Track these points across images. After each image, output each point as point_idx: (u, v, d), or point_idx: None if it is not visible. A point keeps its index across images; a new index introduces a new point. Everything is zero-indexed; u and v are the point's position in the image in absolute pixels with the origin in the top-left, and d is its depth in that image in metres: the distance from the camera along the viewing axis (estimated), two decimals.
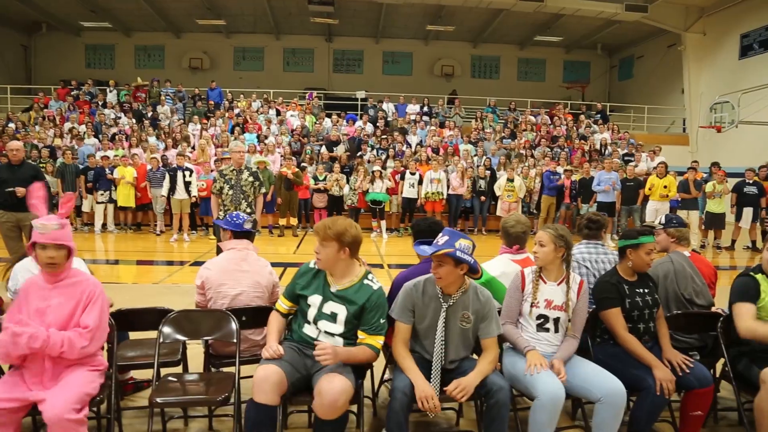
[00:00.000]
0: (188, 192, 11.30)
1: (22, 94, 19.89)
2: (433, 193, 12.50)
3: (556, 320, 3.09)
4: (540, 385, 2.82)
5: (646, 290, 3.28)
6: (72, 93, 17.71)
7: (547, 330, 3.09)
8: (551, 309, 3.08)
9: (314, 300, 2.93)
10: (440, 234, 2.92)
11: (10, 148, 6.74)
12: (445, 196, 12.69)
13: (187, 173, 11.35)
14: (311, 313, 2.93)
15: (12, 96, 19.11)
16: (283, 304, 3.05)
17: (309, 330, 2.95)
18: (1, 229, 6.49)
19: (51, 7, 20.02)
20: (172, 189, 11.26)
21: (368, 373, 3.31)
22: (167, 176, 11.37)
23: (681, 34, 18.63)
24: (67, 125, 15.37)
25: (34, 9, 19.84)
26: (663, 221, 3.95)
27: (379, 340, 2.88)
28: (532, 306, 3.09)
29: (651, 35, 20.94)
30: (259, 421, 2.65)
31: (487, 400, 2.80)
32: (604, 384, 2.85)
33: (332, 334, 2.90)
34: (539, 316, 3.09)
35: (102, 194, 12.06)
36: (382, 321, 2.89)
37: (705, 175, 12.34)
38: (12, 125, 15.55)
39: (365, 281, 2.94)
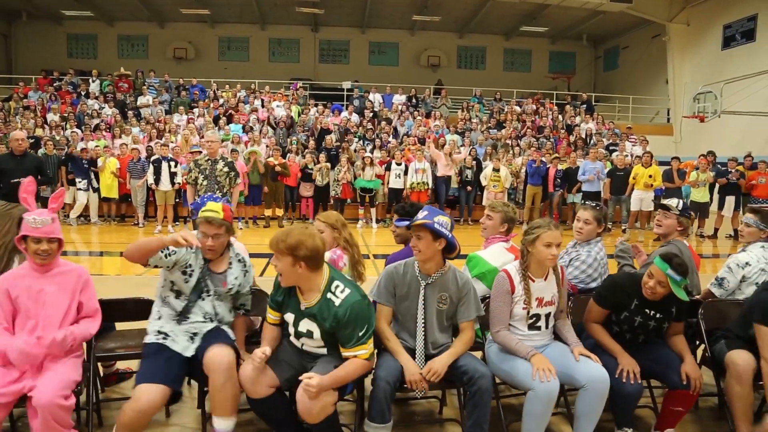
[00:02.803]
0: (173, 183, 11.20)
1: (3, 84, 19.53)
2: (418, 183, 12.48)
3: (547, 315, 3.07)
4: (532, 380, 2.81)
5: (657, 315, 3.10)
6: (53, 83, 17.44)
7: (539, 328, 3.07)
8: (543, 306, 3.04)
9: (289, 318, 2.84)
10: (421, 210, 2.95)
11: (14, 137, 6.60)
12: (430, 186, 12.66)
13: (171, 164, 11.24)
14: (291, 330, 2.86)
15: None
16: (271, 316, 2.92)
17: (295, 341, 2.89)
18: None
19: None
20: (157, 180, 11.16)
21: None
22: (151, 167, 11.24)
23: (665, 24, 18.74)
24: (49, 116, 15.14)
25: None
26: (680, 207, 3.80)
27: (363, 350, 2.71)
28: (525, 308, 3.01)
29: (636, 26, 21.03)
30: (263, 413, 2.84)
31: (468, 387, 2.81)
32: (588, 370, 2.85)
33: (315, 352, 2.84)
34: (532, 316, 3.04)
35: (80, 182, 11.83)
36: (360, 333, 2.69)
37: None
38: None
39: (328, 295, 2.72)
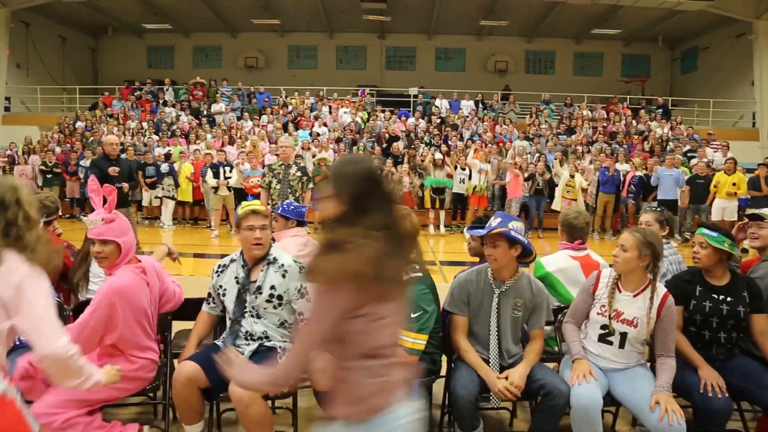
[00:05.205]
0: (228, 188, 11.42)
1: (89, 94, 20.80)
2: (479, 188, 12.05)
3: (623, 335, 2.83)
4: (572, 395, 2.70)
5: (729, 298, 2.92)
6: (134, 93, 18.43)
7: (610, 343, 2.87)
8: (618, 321, 2.82)
9: None
10: (492, 217, 2.91)
11: (108, 142, 6.88)
12: (490, 190, 12.32)
13: (227, 169, 11.47)
14: None
15: (80, 96, 20.04)
16: None
17: None
18: None
19: (116, 11, 20.83)
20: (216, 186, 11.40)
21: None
22: (209, 172, 11.50)
23: (751, 22, 17.61)
24: (128, 123, 15.99)
25: (101, 13, 20.73)
26: None
27: (408, 337, 2.64)
28: (600, 314, 2.88)
29: (717, 25, 19.88)
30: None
31: (545, 401, 2.72)
32: (661, 426, 2.56)
33: None
34: (603, 326, 2.88)
35: (163, 188, 12.48)
36: (411, 315, 2.68)
37: None
38: (81, 123, 16.32)
39: None
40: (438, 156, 12.24)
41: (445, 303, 2.99)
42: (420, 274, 2.79)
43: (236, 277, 2.92)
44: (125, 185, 6.31)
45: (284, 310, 2.91)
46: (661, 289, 2.84)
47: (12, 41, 18.26)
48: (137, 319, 2.74)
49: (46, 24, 20.65)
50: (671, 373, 2.74)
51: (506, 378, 2.75)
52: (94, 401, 2.60)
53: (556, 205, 12.20)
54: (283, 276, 2.86)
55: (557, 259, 3.51)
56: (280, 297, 2.87)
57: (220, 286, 2.97)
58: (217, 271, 3.01)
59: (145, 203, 12.83)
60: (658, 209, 3.59)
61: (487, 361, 2.88)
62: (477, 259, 3.62)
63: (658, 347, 2.82)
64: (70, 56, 22.31)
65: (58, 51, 21.82)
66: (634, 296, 2.82)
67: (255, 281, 2.87)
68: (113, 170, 6.23)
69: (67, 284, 3.43)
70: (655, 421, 2.56)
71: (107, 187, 2.84)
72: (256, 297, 2.86)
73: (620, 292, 2.85)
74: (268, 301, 2.86)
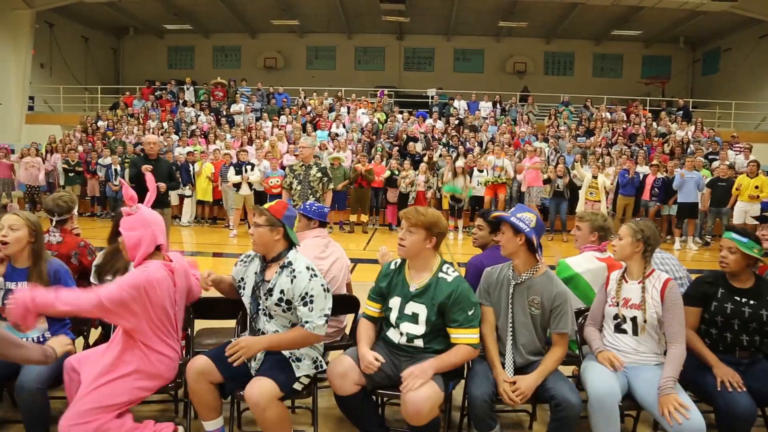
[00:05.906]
0: (249, 186, 11.47)
1: (111, 94, 21.11)
2: (495, 178, 12.07)
3: (633, 320, 2.90)
4: (588, 385, 2.72)
5: (752, 301, 2.93)
6: (155, 93, 18.65)
7: (625, 332, 2.93)
8: (627, 307, 2.91)
9: (394, 302, 2.87)
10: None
11: (147, 141, 6.78)
12: (509, 180, 12.33)
13: (248, 168, 11.53)
14: (393, 317, 2.88)
15: (102, 96, 20.34)
16: (371, 308, 2.98)
17: (392, 334, 2.90)
18: None
19: (138, 12, 21.14)
20: (238, 184, 11.45)
21: None
22: (232, 170, 11.52)
23: None
24: (149, 123, 16.19)
25: (123, 14, 21.05)
26: None
27: (473, 334, 2.76)
28: (610, 305, 2.98)
29: (740, 26, 19.59)
30: (348, 410, 2.89)
31: (555, 413, 2.69)
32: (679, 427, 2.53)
33: (414, 336, 2.82)
34: (616, 316, 2.94)
35: (184, 188, 12.63)
36: (469, 313, 2.75)
37: None
38: (103, 123, 16.56)
39: (440, 274, 2.82)
40: (459, 164, 12.14)
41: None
42: (457, 274, 2.85)
43: (255, 272, 2.97)
44: (162, 185, 6.16)
45: (294, 314, 2.87)
46: (663, 275, 2.93)
47: (36, 41, 18.59)
48: (157, 316, 2.70)
49: (69, 25, 21.02)
50: (676, 365, 2.72)
51: (514, 383, 2.74)
52: (121, 404, 2.61)
53: (581, 208, 12.06)
54: (292, 282, 2.81)
55: (583, 261, 3.48)
56: (288, 302, 2.83)
57: (242, 279, 3.03)
58: (243, 260, 3.07)
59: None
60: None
61: (503, 359, 2.88)
62: (480, 251, 3.68)
63: (667, 334, 2.84)
64: (93, 56, 22.67)
65: (81, 51, 22.19)
66: (639, 283, 2.93)
67: (268, 281, 2.88)
68: (145, 168, 6.16)
69: (87, 283, 3.41)
70: (669, 424, 2.57)
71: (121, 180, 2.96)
72: (266, 298, 2.87)
73: (627, 282, 2.97)
74: (277, 304, 2.84)
